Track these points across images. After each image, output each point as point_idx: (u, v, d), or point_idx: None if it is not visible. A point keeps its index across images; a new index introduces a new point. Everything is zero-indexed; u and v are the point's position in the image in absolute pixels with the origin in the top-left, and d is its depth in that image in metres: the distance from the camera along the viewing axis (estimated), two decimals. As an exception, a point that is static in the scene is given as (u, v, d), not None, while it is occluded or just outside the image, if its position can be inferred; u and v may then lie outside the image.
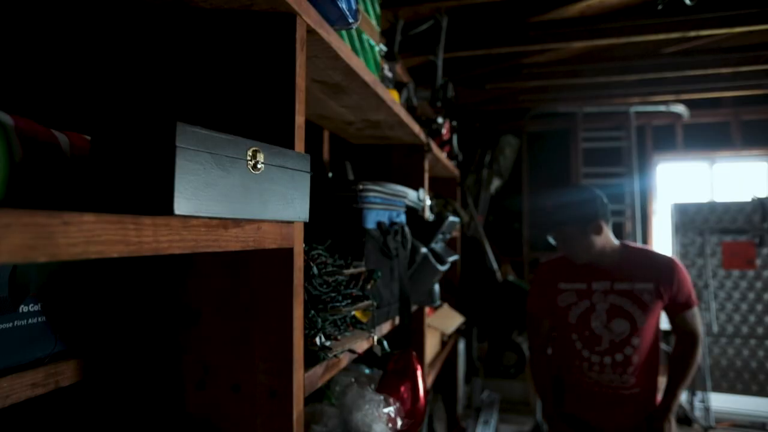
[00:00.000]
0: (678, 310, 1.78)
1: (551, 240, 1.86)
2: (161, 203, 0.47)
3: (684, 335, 1.80)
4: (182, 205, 0.48)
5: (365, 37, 1.26)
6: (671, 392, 1.77)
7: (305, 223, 0.76)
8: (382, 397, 0.99)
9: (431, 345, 2.34)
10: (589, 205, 1.78)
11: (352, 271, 1.00)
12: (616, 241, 1.82)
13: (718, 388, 3.66)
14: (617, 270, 1.79)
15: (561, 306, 1.86)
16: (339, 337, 0.96)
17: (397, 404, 1.01)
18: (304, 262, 0.80)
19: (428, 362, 2.00)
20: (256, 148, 0.58)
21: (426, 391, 1.19)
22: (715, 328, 3.69)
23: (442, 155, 2.35)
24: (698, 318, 1.80)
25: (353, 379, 1.01)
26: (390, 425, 0.98)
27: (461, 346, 3.14)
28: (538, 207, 1.86)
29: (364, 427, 0.94)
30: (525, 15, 2.86)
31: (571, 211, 1.77)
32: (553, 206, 1.82)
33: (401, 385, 1.12)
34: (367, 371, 1.11)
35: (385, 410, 0.98)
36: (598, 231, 1.76)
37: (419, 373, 1.17)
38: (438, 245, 1.59)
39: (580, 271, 1.84)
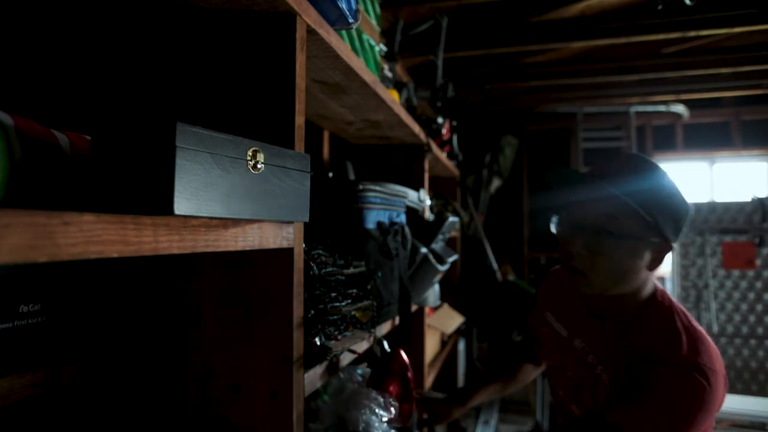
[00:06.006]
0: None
1: (554, 228, 1.07)
2: (161, 203, 0.47)
3: None
4: (182, 205, 0.48)
5: (365, 37, 1.26)
6: None
7: (305, 223, 0.76)
8: (379, 396, 0.99)
9: (431, 345, 2.34)
10: (678, 213, 1.02)
11: (352, 271, 1.00)
12: (651, 287, 1.07)
13: (718, 388, 3.66)
14: (605, 333, 1.07)
15: (546, 340, 1.24)
16: (339, 337, 0.96)
17: (390, 400, 1.01)
18: (304, 262, 0.80)
19: (428, 362, 2.00)
20: (256, 148, 0.58)
21: (415, 387, 1.19)
22: (715, 328, 3.68)
23: (442, 155, 2.35)
24: None
25: (349, 378, 1.02)
26: (385, 422, 0.98)
27: (461, 346, 3.14)
28: (590, 176, 1.03)
29: (361, 424, 0.95)
30: (525, 15, 2.85)
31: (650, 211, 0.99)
32: (625, 187, 1.01)
33: (390, 384, 1.11)
34: (359, 371, 1.12)
35: (382, 409, 0.98)
36: (658, 262, 1.02)
37: (407, 365, 1.16)
38: (438, 245, 1.59)
39: (572, 308, 1.15)
